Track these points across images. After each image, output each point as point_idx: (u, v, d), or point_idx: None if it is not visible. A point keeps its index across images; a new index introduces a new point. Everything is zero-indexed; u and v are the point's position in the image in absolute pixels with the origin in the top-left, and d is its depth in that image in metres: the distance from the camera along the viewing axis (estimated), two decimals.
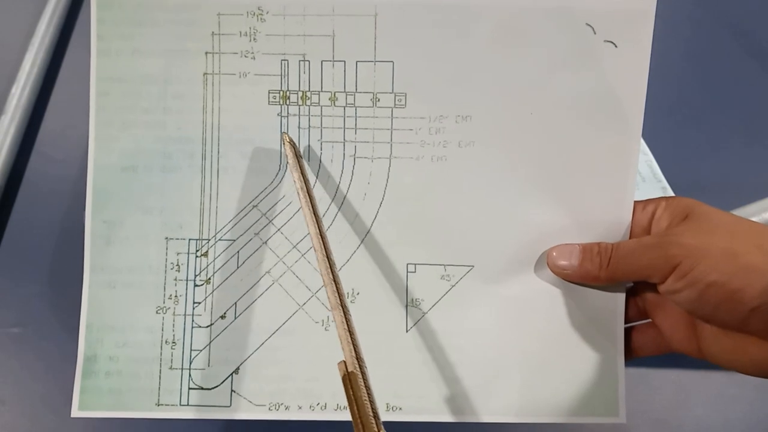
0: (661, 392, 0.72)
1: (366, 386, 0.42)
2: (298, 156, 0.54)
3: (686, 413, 0.71)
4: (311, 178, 0.55)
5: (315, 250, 0.48)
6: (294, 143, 0.55)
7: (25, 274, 0.77)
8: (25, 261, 0.78)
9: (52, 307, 0.75)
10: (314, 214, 0.49)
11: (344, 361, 0.43)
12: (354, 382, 0.42)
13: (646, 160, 0.80)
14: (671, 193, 0.77)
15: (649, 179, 0.78)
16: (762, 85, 0.95)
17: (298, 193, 0.51)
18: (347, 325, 0.44)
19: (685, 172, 0.80)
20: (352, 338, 0.44)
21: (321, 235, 0.48)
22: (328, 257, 0.47)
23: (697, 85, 0.94)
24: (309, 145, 0.55)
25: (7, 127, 0.83)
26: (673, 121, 0.90)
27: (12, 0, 0.97)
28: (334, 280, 0.46)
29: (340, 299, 0.45)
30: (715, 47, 0.99)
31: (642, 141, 0.76)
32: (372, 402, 0.42)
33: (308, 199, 0.50)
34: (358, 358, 0.43)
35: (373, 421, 0.41)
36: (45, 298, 0.76)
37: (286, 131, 0.55)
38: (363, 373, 0.42)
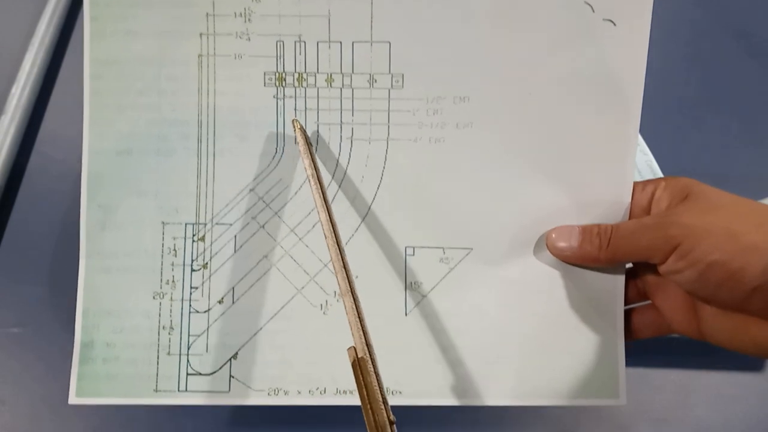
0: (661, 392, 0.72)
1: (375, 372, 0.42)
2: (308, 143, 0.54)
3: (687, 413, 0.71)
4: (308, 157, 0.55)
5: (325, 237, 0.48)
6: (304, 129, 0.54)
7: (25, 274, 0.77)
8: (25, 261, 0.78)
9: (52, 307, 0.75)
10: (324, 200, 0.49)
11: (353, 347, 0.43)
12: (363, 367, 0.42)
13: (646, 160, 0.79)
14: None
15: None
16: (762, 85, 0.95)
17: (309, 179, 0.51)
18: (357, 311, 0.44)
19: (685, 172, 0.79)
20: (361, 324, 0.44)
21: (331, 221, 0.48)
22: (338, 243, 0.47)
23: (696, 85, 0.94)
24: (305, 128, 0.55)
25: (7, 127, 0.83)
26: (673, 121, 0.89)
27: (12, 0, 0.98)
28: (344, 267, 0.46)
29: (350, 285, 0.46)
30: (715, 47, 0.98)
31: (642, 141, 0.76)
32: (381, 387, 0.42)
33: (318, 186, 0.50)
34: (368, 344, 0.43)
35: (383, 407, 0.41)
36: (45, 298, 0.75)
37: (294, 117, 0.55)
38: (372, 359, 0.43)
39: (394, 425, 0.41)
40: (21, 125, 0.85)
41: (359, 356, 0.43)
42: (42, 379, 0.71)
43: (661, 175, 0.77)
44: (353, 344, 0.43)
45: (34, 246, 0.79)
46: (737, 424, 0.71)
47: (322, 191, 0.50)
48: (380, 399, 0.41)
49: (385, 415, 0.40)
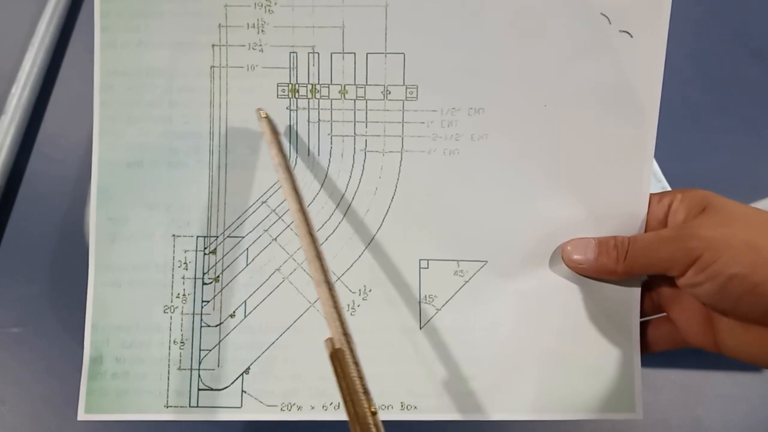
0: (662, 392, 0.72)
1: (354, 362, 0.41)
2: (275, 131, 0.53)
3: (687, 413, 0.71)
4: (321, 169, 0.55)
5: (297, 226, 0.47)
6: (270, 118, 0.54)
7: (25, 274, 0.77)
8: (25, 261, 0.78)
9: (52, 307, 0.75)
10: (294, 189, 0.49)
11: (330, 338, 0.42)
12: (342, 359, 0.41)
13: None
14: None
15: None
16: (762, 84, 0.95)
17: (277, 169, 0.50)
18: (333, 300, 0.43)
19: (685, 172, 0.80)
20: (338, 314, 0.43)
21: (302, 211, 0.47)
22: (310, 233, 0.46)
23: (697, 85, 0.94)
24: (319, 140, 0.54)
25: (7, 127, 0.83)
26: (673, 121, 0.89)
27: (12, 0, 0.97)
28: (318, 256, 0.45)
29: (325, 275, 0.45)
30: (716, 46, 0.98)
31: None
32: (362, 378, 0.41)
33: (288, 175, 0.49)
34: (345, 334, 0.42)
35: (363, 398, 0.40)
36: (45, 298, 0.75)
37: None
38: (351, 350, 0.42)
39: (376, 416, 0.40)
40: (21, 125, 0.85)
41: (336, 347, 0.42)
42: (42, 378, 0.71)
43: (660, 174, 0.77)
44: (330, 335, 0.43)
45: (34, 246, 0.79)
46: (738, 424, 0.71)
47: (291, 180, 0.49)
48: (360, 390, 0.40)
49: (365, 406, 0.40)
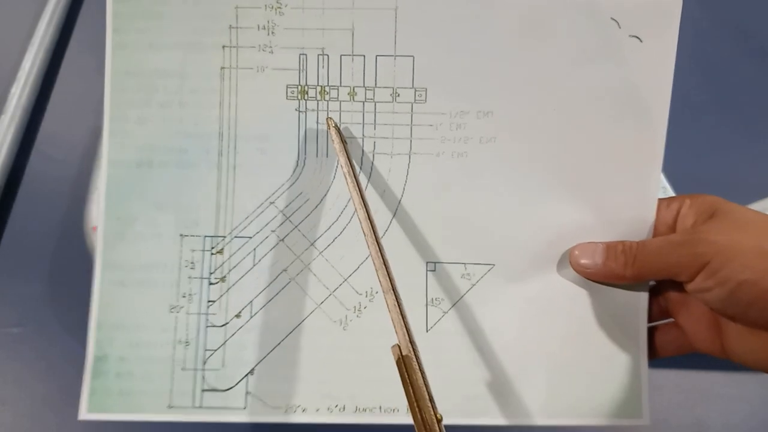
0: (662, 393, 0.72)
1: (420, 369, 0.42)
2: (343, 140, 0.53)
3: (687, 413, 0.71)
4: (330, 171, 0.55)
5: (365, 235, 0.48)
6: (338, 127, 0.54)
7: (25, 274, 0.77)
8: (25, 261, 0.78)
9: (52, 307, 0.75)
10: (362, 197, 0.49)
11: (398, 345, 0.43)
12: (409, 365, 0.42)
13: None
14: (672, 194, 0.76)
15: None
16: (763, 84, 0.95)
17: (345, 177, 0.50)
18: (399, 308, 0.44)
19: (685, 172, 0.79)
20: (404, 321, 0.44)
21: (370, 220, 0.48)
22: (377, 241, 0.47)
23: (697, 85, 0.94)
24: (327, 141, 0.54)
25: (7, 127, 0.83)
26: (673, 121, 0.89)
27: (12, 0, 0.96)
28: (385, 264, 0.46)
29: (392, 282, 0.45)
30: (717, 46, 0.98)
31: None
32: (427, 385, 0.41)
33: (355, 184, 0.50)
34: (412, 342, 0.43)
35: (430, 405, 0.41)
36: (45, 298, 0.75)
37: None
38: (417, 357, 0.42)
39: (441, 422, 0.41)
40: (21, 125, 0.85)
41: (404, 354, 0.43)
42: (42, 379, 0.71)
43: (662, 177, 0.77)
44: (397, 342, 0.44)
45: (34, 246, 0.78)
46: (738, 425, 0.71)
47: (359, 189, 0.50)
48: (427, 397, 0.41)
49: (432, 412, 0.40)
